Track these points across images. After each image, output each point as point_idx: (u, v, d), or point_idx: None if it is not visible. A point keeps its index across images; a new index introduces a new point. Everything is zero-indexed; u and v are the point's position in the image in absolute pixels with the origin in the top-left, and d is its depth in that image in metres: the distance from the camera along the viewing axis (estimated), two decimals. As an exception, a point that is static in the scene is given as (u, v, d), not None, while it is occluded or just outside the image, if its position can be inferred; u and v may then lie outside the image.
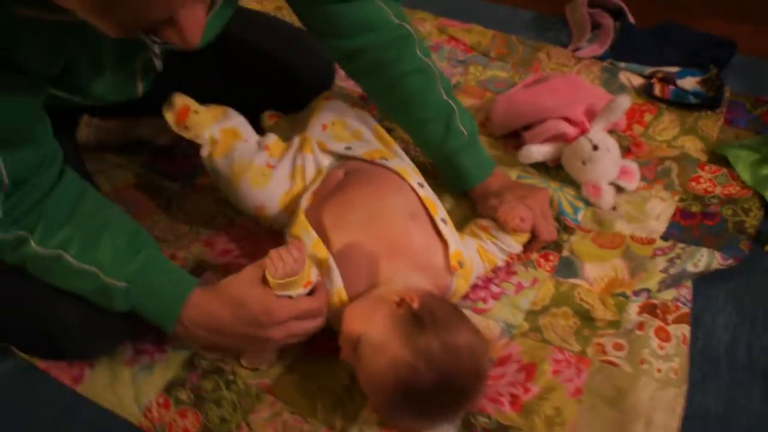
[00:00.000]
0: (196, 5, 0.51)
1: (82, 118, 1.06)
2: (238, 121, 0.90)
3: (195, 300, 0.70)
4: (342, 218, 0.78)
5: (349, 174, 0.84)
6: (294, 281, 0.69)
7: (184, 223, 0.97)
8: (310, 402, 0.75)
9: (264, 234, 0.94)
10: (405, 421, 0.69)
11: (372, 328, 0.68)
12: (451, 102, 0.87)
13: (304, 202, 0.81)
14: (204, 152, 0.87)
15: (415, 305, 0.68)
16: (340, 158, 0.88)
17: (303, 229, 0.78)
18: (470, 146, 0.88)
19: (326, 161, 0.87)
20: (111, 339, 0.78)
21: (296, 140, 0.88)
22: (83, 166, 0.90)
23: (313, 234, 0.77)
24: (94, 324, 0.73)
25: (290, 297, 0.70)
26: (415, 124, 0.89)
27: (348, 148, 0.87)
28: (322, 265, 0.76)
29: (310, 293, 0.71)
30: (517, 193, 0.86)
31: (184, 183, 1.03)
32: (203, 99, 1.00)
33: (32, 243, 0.66)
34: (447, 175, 0.92)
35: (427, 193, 0.82)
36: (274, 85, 1.02)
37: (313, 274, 0.72)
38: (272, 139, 0.89)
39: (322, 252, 0.76)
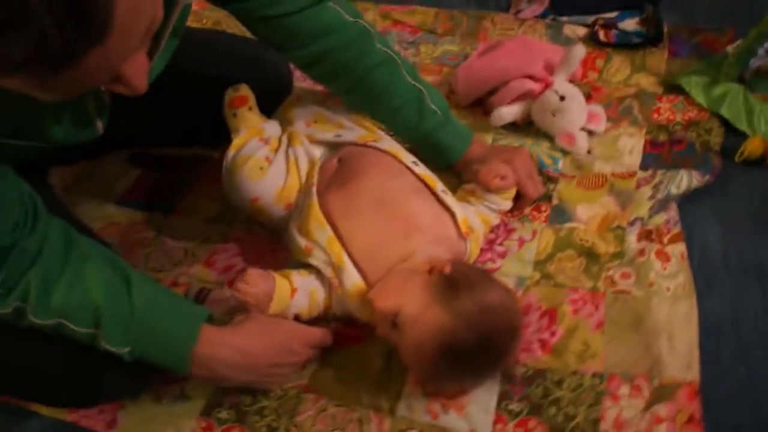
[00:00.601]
0: (138, 54, 0.50)
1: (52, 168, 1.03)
2: (271, 124, 0.91)
3: (206, 337, 0.70)
4: (350, 208, 0.79)
5: (344, 161, 0.85)
6: (280, 298, 0.74)
7: (178, 249, 0.96)
8: (352, 391, 0.76)
9: (262, 241, 0.94)
10: (451, 384, 0.72)
11: (409, 299, 0.70)
12: (418, 85, 0.88)
13: (314, 198, 0.81)
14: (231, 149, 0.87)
15: (447, 271, 0.70)
16: (331, 147, 0.89)
17: (317, 224, 0.78)
18: (445, 122, 0.90)
19: (318, 152, 0.88)
20: (137, 377, 0.77)
21: (285, 136, 0.88)
22: (66, 211, 0.87)
23: (328, 230, 0.78)
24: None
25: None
26: (387, 114, 0.90)
27: (338, 136, 0.88)
28: (337, 262, 0.77)
29: None
30: (500, 157, 0.89)
31: (165, 210, 1.02)
32: (162, 125, 1.00)
33: (29, 315, 0.65)
34: (428, 154, 0.93)
35: (422, 169, 0.84)
36: None
37: (296, 280, 0.76)
38: (275, 131, 0.89)
39: (336, 248, 0.77)
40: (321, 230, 0.78)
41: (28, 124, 0.61)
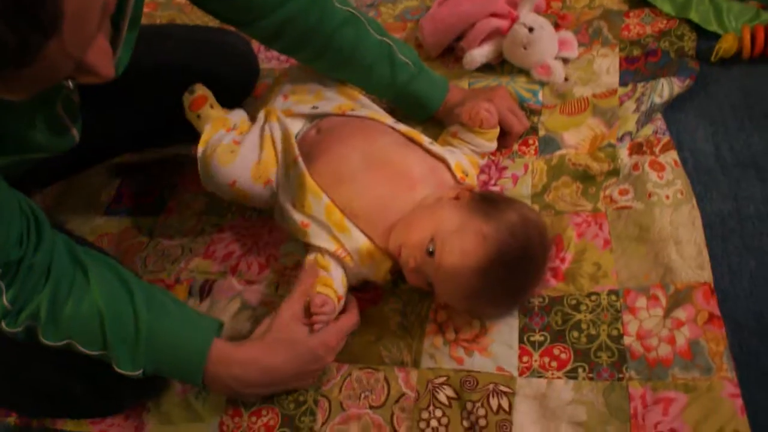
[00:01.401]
0: (99, 39, 0.49)
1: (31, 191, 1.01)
2: (235, 113, 0.89)
3: (218, 355, 0.69)
4: (341, 173, 0.78)
5: (323, 131, 0.84)
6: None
7: (174, 247, 0.94)
8: (373, 351, 0.75)
9: (257, 225, 0.93)
10: (489, 302, 0.71)
11: (443, 222, 0.70)
12: (386, 39, 0.87)
13: (303, 169, 0.79)
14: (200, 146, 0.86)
15: (476, 190, 0.70)
16: (310, 119, 0.87)
17: (313, 195, 0.77)
18: (419, 73, 0.89)
19: (296, 126, 0.86)
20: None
21: (261, 114, 0.87)
22: (59, 226, 0.86)
23: (325, 198, 0.77)
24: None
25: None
26: (360, 74, 0.89)
27: (315, 108, 0.87)
28: (338, 229, 0.76)
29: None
30: (480, 98, 0.88)
31: (155, 212, 1.00)
32: (135, 125, 0.98)
33: (41, 336, 0.65)
34: (407, 107, 0.93)
35: (405, 127, 0.83)
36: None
37: (340, 288, 0.75)
38: (240, 117, 0.88)
39: (336, 215, 0.76)
40: (316, 200, 0.77)
41: (7, 135, 0.59)
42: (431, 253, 0.69)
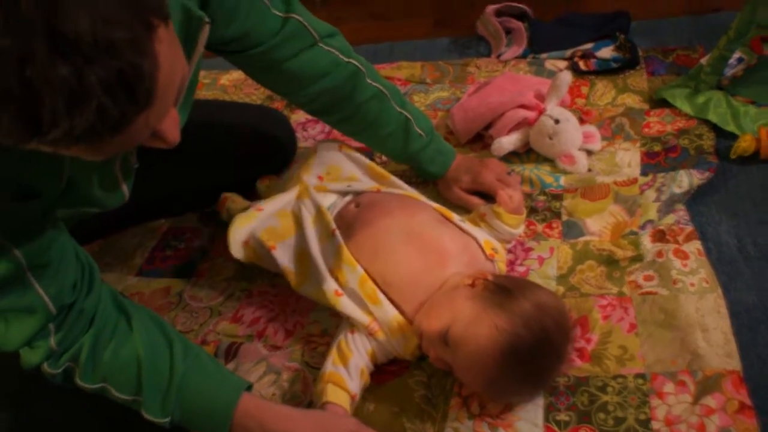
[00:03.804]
0: (171, 109, 0.53)
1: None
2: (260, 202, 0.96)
3: (245, 410, 0.69)
4: (380, 246, 0.81)
5: (363, 205, 0.88)
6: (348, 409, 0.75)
7: (203, 309, 0.96)
8: (396, 423, 0.75)
9: (285, 292, 0.95)
10: (509, 391, 0.71)
11: (458, 313, 0.71)
12: (404, 112, 0.95)
13: (341, 241, 0.82)
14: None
15: (491, 278, 0.71)
16: (344, 195, 0.92)
17: (348, 266, 0.80)
18: (430, 143, 0.98)
19: (327, 200, 0.91)
20: None
21: (293, 190, 0.92)
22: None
23: (359, 269, 0.79)
24: None
25: None
26: (378, 141, 0.98)
27: (350, 186, 0.92)
28: (371, 302, 0.78)
29: None
30: (472, 172, 0.97)
31: (187, 275, 1.03)
32: (176, 188, 1.04)
33: (77, 378, 0.67)
34: (415, 170, 1.02)
35: (436, 204, 0.88)
36: (242, 157, 1.06)
37: (350, 384, 0.76)
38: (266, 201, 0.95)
39: (369, 286, 0.79)
40: (352, 272, 0.79)
41: (75, 188, 0.64)
42: (447, 344, 0.70)
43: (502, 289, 0.71)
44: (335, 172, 0.96)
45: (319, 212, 0.87)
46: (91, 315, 0.66)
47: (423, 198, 0.91)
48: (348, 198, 0.92)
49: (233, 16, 0.74)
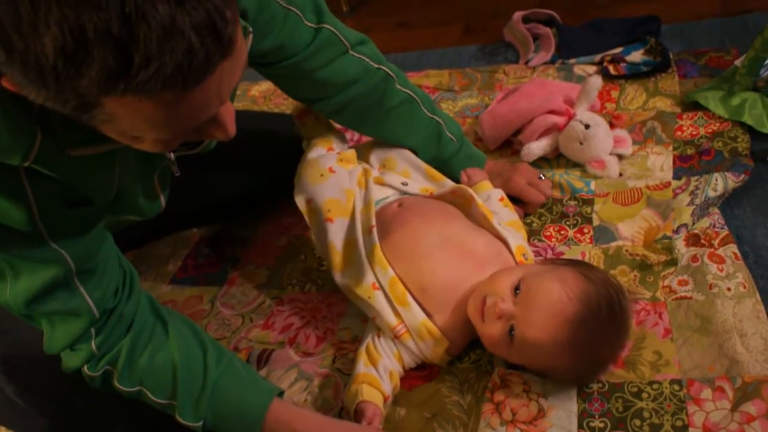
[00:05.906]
0: (228, 101, 0.55)
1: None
2: (337, 137, 0.99)
3: (278, 412, 0.70)
4: (417, 247, 0.81)
5: (404, 207, 0.88)
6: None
7: (235, 316, 0.98)
8: (427, 429, 0.75)
9: (316, 299, 0.96)
10: (565, 356, 0.70)
11: (531, 269, 0.75)
12: (436, 117, 0.95)
13: (377, 241, 0.82)
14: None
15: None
16: (395, 192, 0.93)
17: (380, 267, 0.80)
18: (460, 148, 0.98)
19: (380, 193, 0.91)
20: None
21: (359, 167, 0.93)
22: None
23: (390, 272, 0.80)
24: None
25: None
26: (410, 148, 0.97)
27: (404, 184, 0.93)
28: (399, 304, 0.78)
29: None
30: (504, 176, 0.98)
31: (219, 283, 1.05)
32: (208, 198, 1.06)
33: (115, 381, 0.69)
34: (447, 175, 0.99)
35: (480, 202, 0.87)
36: (272, 163, 1.06)
37: (383, 385, 0.77)
38: (342, 143, 0.97)
39: (399, 289, 0.79)
40: (383, 273, 0.80)
41: (123, 195, 0.66)
42: (517, 294, 0.71)
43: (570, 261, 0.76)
44: (392, 163, 0.97)
45: (367, 206, 0.87)
46: (130, 320, 0.68)
47: (476, 197, 0.87)
48: (396, 196, 0.92)
49: (269, 29, 0.76)
